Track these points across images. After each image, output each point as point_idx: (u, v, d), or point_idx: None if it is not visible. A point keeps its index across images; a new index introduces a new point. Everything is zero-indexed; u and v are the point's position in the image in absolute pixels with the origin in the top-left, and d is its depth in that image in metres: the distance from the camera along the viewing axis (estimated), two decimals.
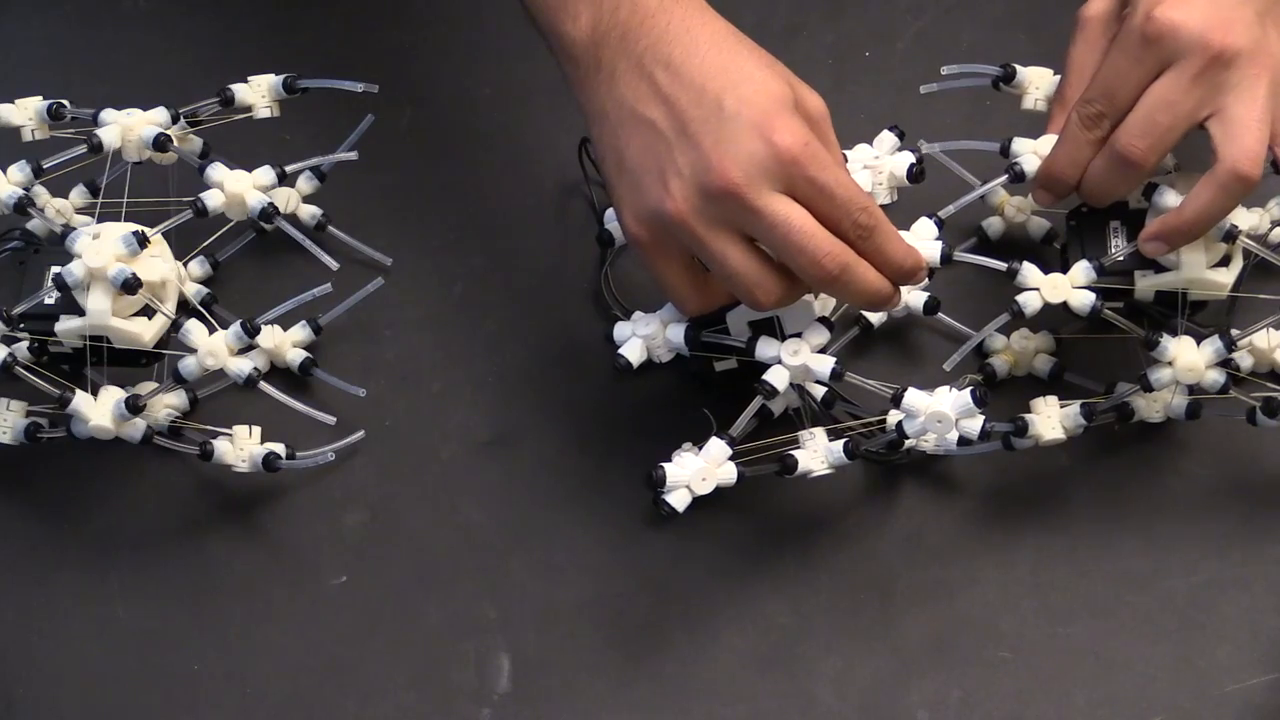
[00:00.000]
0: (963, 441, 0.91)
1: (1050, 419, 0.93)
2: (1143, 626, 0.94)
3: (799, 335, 0.91)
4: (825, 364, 0.91)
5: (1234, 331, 0.93)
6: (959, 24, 1.11)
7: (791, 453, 0.91)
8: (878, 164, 0.99)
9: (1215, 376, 0.92)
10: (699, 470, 0.90)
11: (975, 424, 0.89)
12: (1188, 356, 0.91)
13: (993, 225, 1.03)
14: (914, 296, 0.97)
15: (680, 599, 0.95)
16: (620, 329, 0.95)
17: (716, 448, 0.90)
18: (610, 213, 0.97)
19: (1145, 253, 0.91)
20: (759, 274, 0.87)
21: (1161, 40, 0.87)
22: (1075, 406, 0.93)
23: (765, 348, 0.91)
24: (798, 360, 0.91)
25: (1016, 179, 0.95)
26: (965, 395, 0.88)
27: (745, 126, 0.85)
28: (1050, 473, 0.97)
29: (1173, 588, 0.95)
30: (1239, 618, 0.94)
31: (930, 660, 0.93)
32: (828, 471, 0.92)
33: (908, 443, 0.93)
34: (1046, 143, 0.95)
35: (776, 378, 0.91)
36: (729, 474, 0.90)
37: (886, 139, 0.99)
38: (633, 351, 0.94)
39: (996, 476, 0.96)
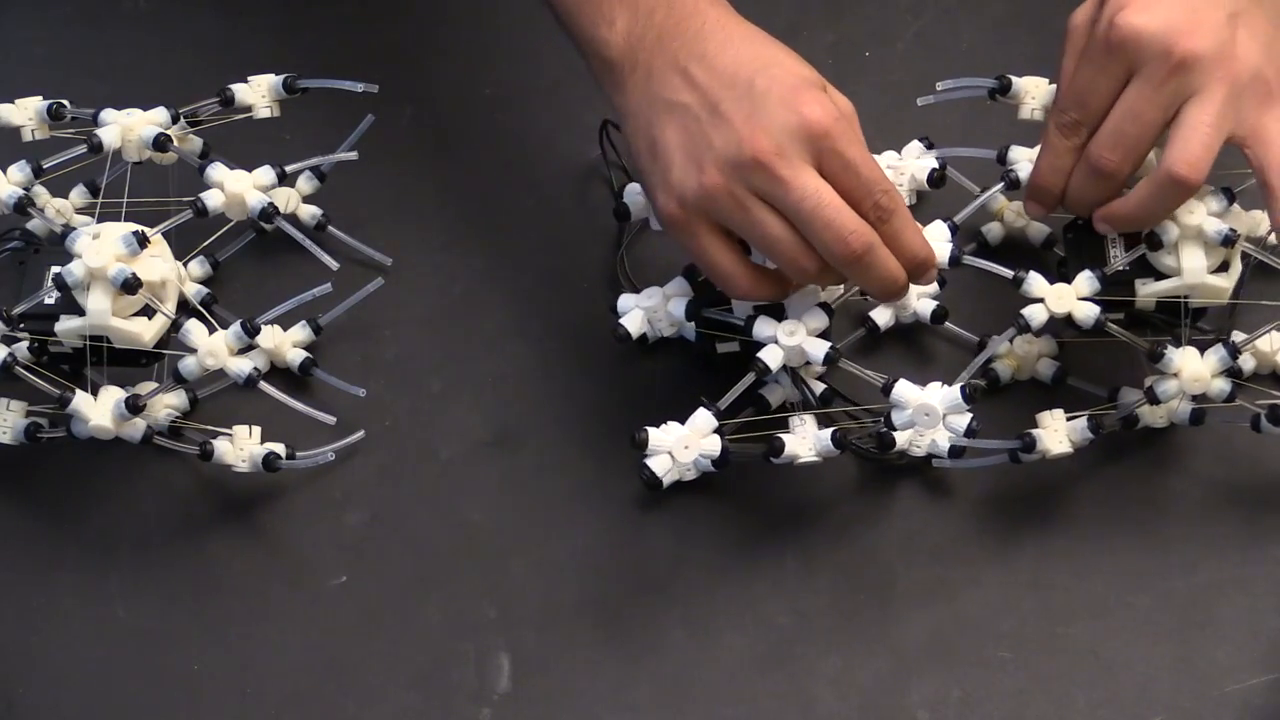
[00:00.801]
0: (956, 453, 0.91)
1: (1057, 432, 0.94)
2: (1143, 626, 0.94)
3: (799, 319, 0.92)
4: (820, 347, 0.91)
5: (1238, 335, 0.92)
6: (959, 24, 1.12)
7: (779, 436, 0.91)
8: (901, 165, 1.00)
9: (1221, 385, 0.92)
10: (682, 437, 0.90)
11: (962, 421, 0.89)
12: (1193, 367, 0.91)
13: (992, 230, 1.03)
14: (922, 304, 0.98)
15: (680, 599, 0.95)
16: (624, 300, 0.95)
17: (702, 418, 0.90)
18: (629, 188, 0.98)
19: (1098, 229, 0.92)
20: (798, 243, 0.87)
21: (1125, 47, 0.88)
22: (1082, 420, 0.93)
23: (763, 327, 0.91)
24: (793, 341, 0.91)
25: (1012, 186, 0.95)
26: (954, 391, 0.89)
27: (776, 101, 0.86)
28: (1050, 473, 0.96)
29: (1173, 588, 0.95)
30: (1239, 618, 0.94)
31: (930, 660, 0.93)
32: (814, 459, 0.91)
33: (899, 442, 0.93)
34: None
35: (770, 357, 0.91)
36: (713, 445, 0.90)
37: (914, 148, 1.01)
38: (633, 322, 0.94)
39: (997, 477, 0.96)
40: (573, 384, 1.00)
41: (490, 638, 0.94)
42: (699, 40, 0.89)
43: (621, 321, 0.94)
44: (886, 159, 1.02)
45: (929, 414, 0.89)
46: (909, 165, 1.01)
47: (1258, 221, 0.96)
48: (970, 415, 0.89)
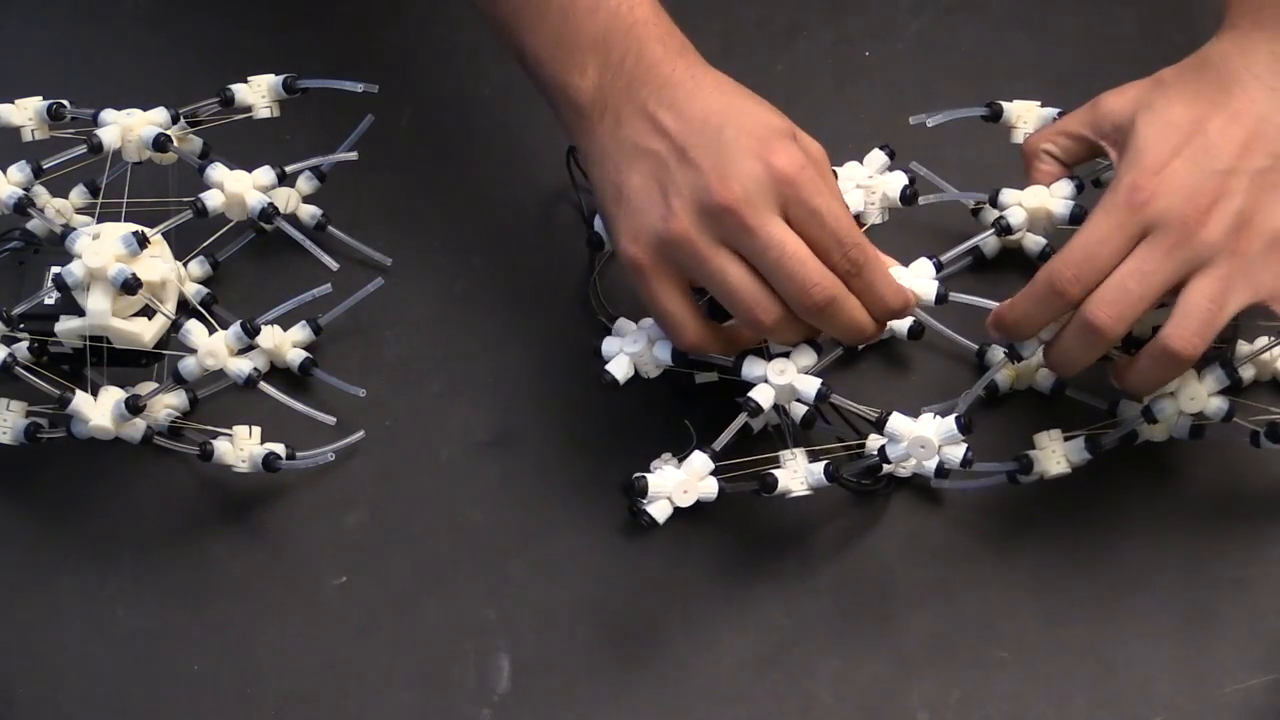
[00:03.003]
0: (941, 473, 0.90)
1: (1055, 453, 0.94)
2: (1143, 626, 0.94)
3: (786, 355, 0.91)
4: (811, 385, 0.90)
5: (1240, 343, 0.92)
6: (959, 24, 1.11)
7: (772, 471, 0.91)
8: (871, 184, 0.99)
9: (1219, 404, 0.92)
10: (680, 483, 0.90)
11: (958, 452, 0.89)
12: (1190, 387, 0.91)
13: (989, 243, 1.02)
14: (898, 321, 0.97)
15: (680, 599, 0.95)
16: (608, 344, 0.94)
17: (699, 461, 0.90)
18: (597, 217, 0.97)
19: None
20: (759, 292, 0.87)
21: (1144, 210, 0.86)
22: (1079, 440, 0.93)
23: (752, 367, 0.91)
24: (784, 380, 0.90)
25: (1002, 232, 0.95)
26: (949, 422, 0.88)
27: (744, 150, 0.86)
28: None
29: (1173, 588, 0.95)
30: (1239, 618, 0.94)
31: (930, 660, 0.93)
32: (806, 493, 0.92)
33: (886, 468, 0.93)
34: (1033, 194, 0.94)
35: (762, 395, 0.90)
36: (710, 488, 0.90)
37: (876, 158, 0.99)
38: (619, 368, 0.93)
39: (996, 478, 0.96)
40: (572, 384, 1.00)
41: (490, 638, 0.94)
42: (668, 88, 0.89)
43: (608, 368, 0.93)
44: (854, 174, 0.99)
45: (924, 446, 0.89)
46: (879, 183, 0.98)
47: None
48: (966, 446, 0.89)
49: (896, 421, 0.89)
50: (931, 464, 0.89)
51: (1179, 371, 0.89)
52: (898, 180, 0.96)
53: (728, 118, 0.88)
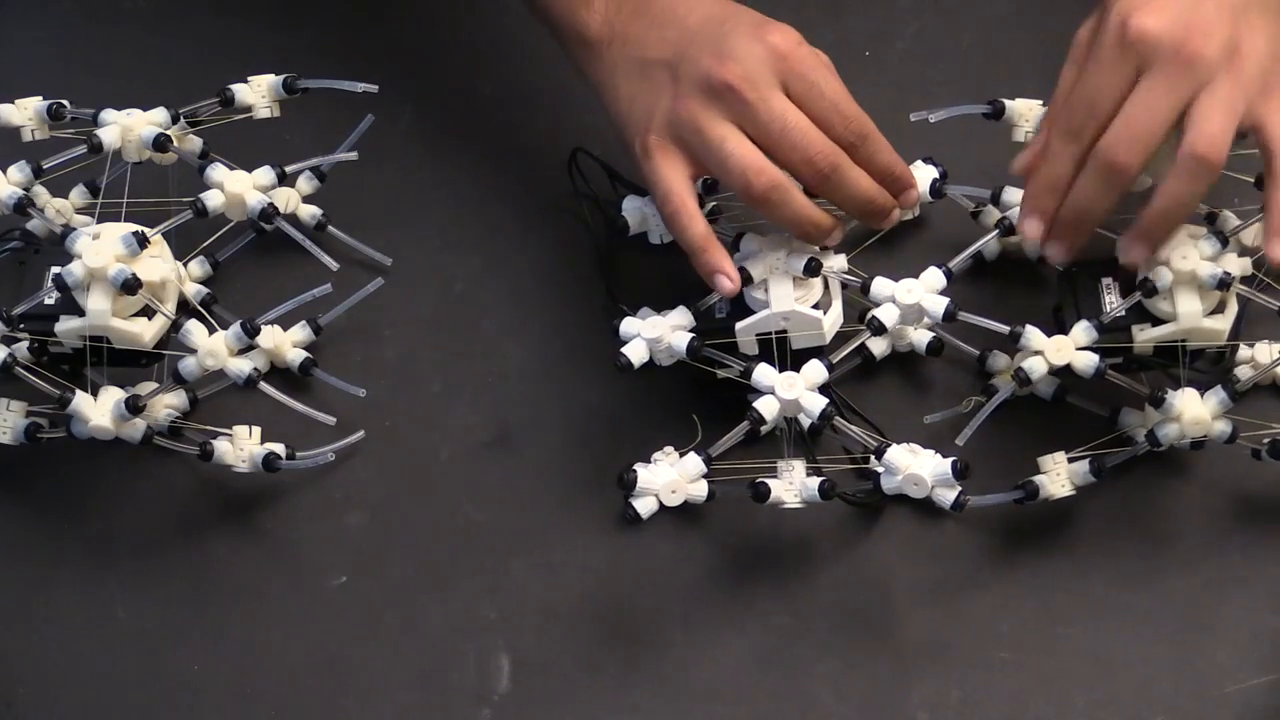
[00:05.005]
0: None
1: (1059, 476, 0.94)
2: (1143, 626, 0.94)
3: (797, 369, 0.91)
4: (817, 403, 0.90)
5: (1240, 353, 0.93)
6: (959, 24, 1.11)
7: (765, 480, 0.91)
8: None
9: (1222, 428, 0.92)
10: (670, 482, 0.90)
11: (950, 494, 0.90)
12: (1194, 410, 0.91)
13: (989, 246, 1.02)
14: (919, 335, 0.97)
15: (680, 599, 0.95)
16: (627, 326, 0.93)
17: (692, 463, 0.90)
18: (626, 201, 0.98)
19: (1129, 258, 0.91)
20: (755, 158, 0.90)
21: (1136, 46, 0.88)
22: (1084, 463, 0.93)
23: (762, 376, 0.91)
24: (791, 395, 0.90)
25: (1007, 232, 0.95)
26: (946, 465, 0.89)
27: (742, 35, 0.92)
28: None
29: (1173, 588, 0.95)
30: (1239, 618, 0.94)
31: (930, 660, 0.93)
32: (799, 505, 0.92)
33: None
34: None
35: (766, 408, 0.90)
36: (699, 490, 0.91)
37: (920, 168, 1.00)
38: (635, 352, 0.93)
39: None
40: (572, 383, 1.00)
41: (490, 638, 0.94)
42: (670, 8, 0.94)
43: (624, 350, 0.93)
44: None
45: (918, 484, 0.90)
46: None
47: (1255, 229, 0.95)
48: (959, 490, 0.90)
49: (894, 454, 0.90)
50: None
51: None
52: (927, 173, 0.97)
53: (726, 15, 0.93)
